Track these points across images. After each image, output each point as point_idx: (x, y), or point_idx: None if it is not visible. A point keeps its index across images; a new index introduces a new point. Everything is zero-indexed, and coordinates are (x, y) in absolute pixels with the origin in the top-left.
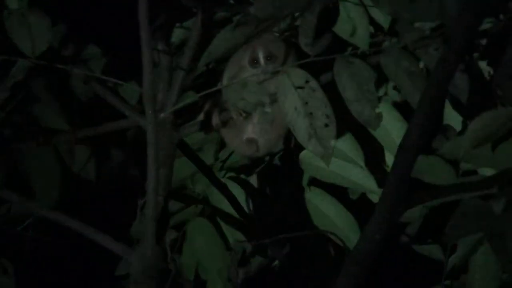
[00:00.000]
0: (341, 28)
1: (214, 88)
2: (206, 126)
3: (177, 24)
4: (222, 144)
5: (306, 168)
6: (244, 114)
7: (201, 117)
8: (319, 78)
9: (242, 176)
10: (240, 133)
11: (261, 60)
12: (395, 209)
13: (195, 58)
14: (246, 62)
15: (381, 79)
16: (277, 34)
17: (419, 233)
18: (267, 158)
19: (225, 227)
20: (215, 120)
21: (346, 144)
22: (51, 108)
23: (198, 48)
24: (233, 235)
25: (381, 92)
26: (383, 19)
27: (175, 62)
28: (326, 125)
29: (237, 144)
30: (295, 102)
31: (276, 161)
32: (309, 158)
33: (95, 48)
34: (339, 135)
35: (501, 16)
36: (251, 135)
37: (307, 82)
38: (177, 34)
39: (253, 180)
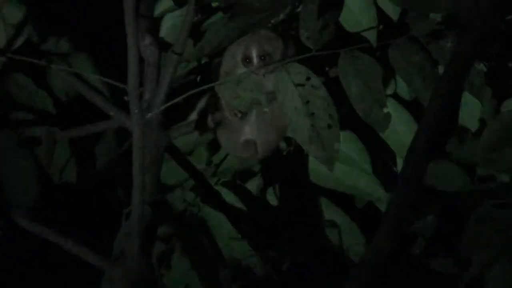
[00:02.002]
0: (346, 20)
1: (206, 86)
2: (200, 126)
3: (167, 16)
4: (215, 147)
5: (309, 173)
6: (239, 114)
7: (192, 117)
8: (323, 73)
9: (238, 182)
10: (236, 134)
11: (254, 59)
12: (404, 218)
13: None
14: (239, 60)
15: (390, 76)
16: (275, 27)
17: (431, 245)
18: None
19: (219, 240)
20: (209, 120)
21: (352, 147)
22: (37, 95)
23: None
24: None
25: (389, 90)
26: (391, 10)
27: (164, 57)
28: (329, 126)
29: (232, 147)
30: (295, 101)
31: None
32: (311, 162)
33: (77, 42)
34: (343, 137)
35: None
36: (248, 136)
37: (308, 79)
38: (167, 26)
39: (250, 186)
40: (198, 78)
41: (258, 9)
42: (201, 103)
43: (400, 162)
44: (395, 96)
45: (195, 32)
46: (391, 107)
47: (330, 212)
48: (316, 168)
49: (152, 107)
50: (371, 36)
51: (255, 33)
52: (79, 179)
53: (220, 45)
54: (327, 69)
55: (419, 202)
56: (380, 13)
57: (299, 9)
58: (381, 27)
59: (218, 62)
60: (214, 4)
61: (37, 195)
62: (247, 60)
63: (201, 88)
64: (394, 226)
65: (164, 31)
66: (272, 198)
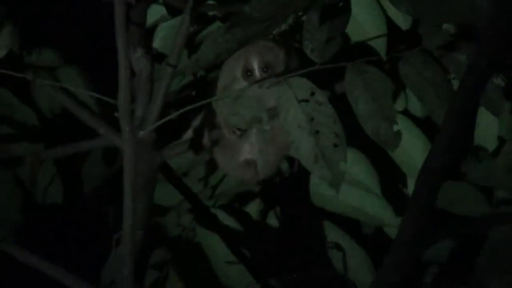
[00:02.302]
0: (353, 31)
1: (202, 102)
2: (195, 145)
3: (160, 25)
4: (212, 168)
5: (312, 196)
6: (238, 132)
7: (188, 135)
8: (329, 88)
9: (237, 205)
10: (235, 154)
11: (256, 71)
12: (416, 245)
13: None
14: (239, 73)
15: (401, 91)
16: (277, 38)
17: (445, 273)
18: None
19: (216, 268)
20: (206, 139)
21: (359, 168)
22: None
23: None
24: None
25: (400, 106)
26: (402, 20)
27: (157, 71)
28: (335, 145)
29: (231, 167)
30: (299, 118)
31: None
32: (315, 184)
33: (65, 54)
34: (350, 157)
35: None
36: (248, 156)
37: (312, 94)
38: (160, 36)
39: (250, 209)
40: (194, 93)
41: (258, 19)
42: (197, 121)
43: (411, 184)
44: (406, 112)
45: (190, 44)
46: (402, 125)
47: (335, 237)
48: (321, 190)
49: (145, 124)
50: (380, 48)
51: (254, 43)
52: (65, 203)
53: (217, 58)
54: (332, 83)
55: (432, 226)
56: (390, 23)
57: (302, 19)
58: (390, 38)
59: (215, 76)
60: (211, 13)
61: (21, 218)
62: (248, 73)
63: (197, 104)
64: (404, 252)
65: (157, 42)
66: (273, 222)
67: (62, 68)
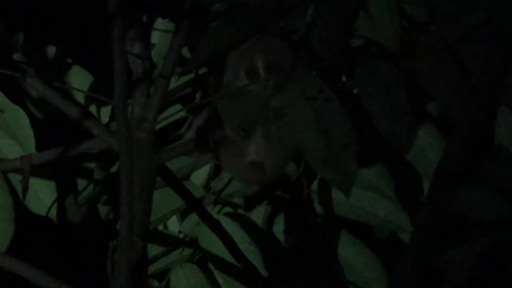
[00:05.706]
0: (364, 24)
1: (205, 100)
2: (197, 147)
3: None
4: (215, 171)
5: (321, 200)
6: (243, 132)
7: (188, 136)
8: (337, 85)
9: (241, 211)
10: (239, 155)
11: (261, 71)
12: (432, 251)
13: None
14: (242, 72)
15: (416, 88)
16: (283, 32)
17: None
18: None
19: (219, 277)
20: (209, 139)
21: (371, 170)
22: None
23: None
24: (230, 286)
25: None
26: (417, 12)
27: (156, 67)
28: (345, 146)
29: (237, 169)
30: (306, 116)
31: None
32: (324, 186)
33: (56, 50)
34: (361, 158)
35: None
36: (254, 157)
37: (321, 91)
38: (159, 33)
39: (255, 216)
40: (198, 95)
41: (263, 10)
42: (199, 120)
43: (427, 187)
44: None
45: (192, 39)
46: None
47: (346, 243)
48: (330, 193)
49: (142, 125)
50: (394, 42)
51: (260, 40)
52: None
53: (219, 52)
54: (340, 80)
55: (450, 231)
56: (403, 14)
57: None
58: (404, 30)
59: (218, 73)
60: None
61: (14, 229)
62: (252, 72)
63: (199, 103)
64: (419, 259)
65: (156, 37)
66: (279, 229)
67: (55, 65)
